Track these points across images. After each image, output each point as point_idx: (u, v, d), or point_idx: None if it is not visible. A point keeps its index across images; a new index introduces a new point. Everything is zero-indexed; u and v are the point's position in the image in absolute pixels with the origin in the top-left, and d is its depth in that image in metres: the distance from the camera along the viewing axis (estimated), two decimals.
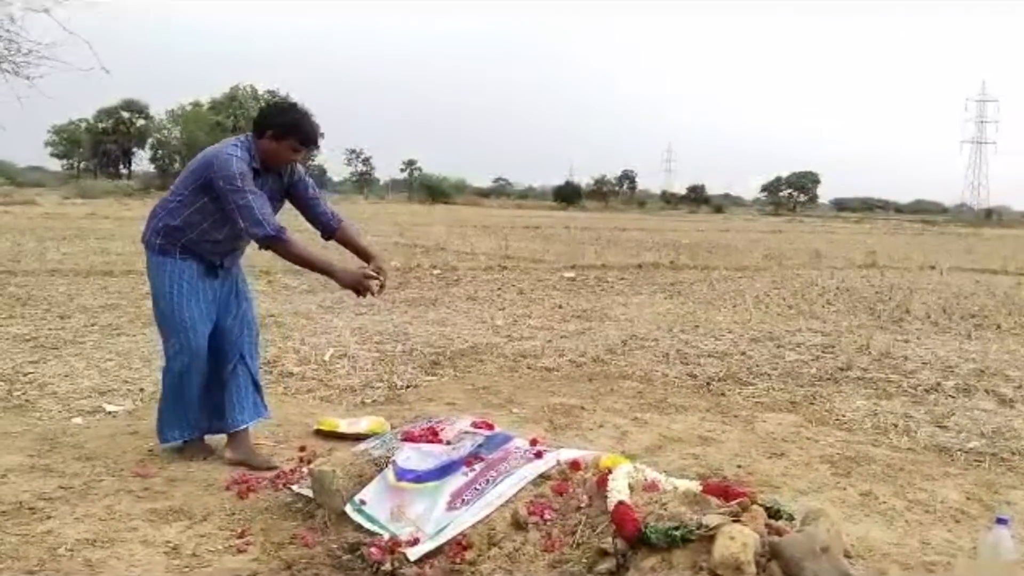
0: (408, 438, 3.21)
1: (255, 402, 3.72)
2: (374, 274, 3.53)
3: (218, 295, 3.63)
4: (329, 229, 3.74)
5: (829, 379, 5.68)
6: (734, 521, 2.27)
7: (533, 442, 3.14)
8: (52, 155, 64.50)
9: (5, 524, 2.84)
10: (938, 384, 5.58)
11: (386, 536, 2.70)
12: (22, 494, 3.10)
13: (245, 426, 3.65)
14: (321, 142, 3.43)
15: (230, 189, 3.33)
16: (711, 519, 2.27)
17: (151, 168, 60.89)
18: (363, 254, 3.72)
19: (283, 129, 3.47)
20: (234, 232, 3.48)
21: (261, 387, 3.79)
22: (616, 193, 78.76)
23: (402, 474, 2.94)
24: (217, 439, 3.72)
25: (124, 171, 63.69)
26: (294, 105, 3.64)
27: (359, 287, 3.51)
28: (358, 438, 3.69)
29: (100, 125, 62.18)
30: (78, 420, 4.17)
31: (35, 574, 2.51)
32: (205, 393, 3.64)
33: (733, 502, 2.39)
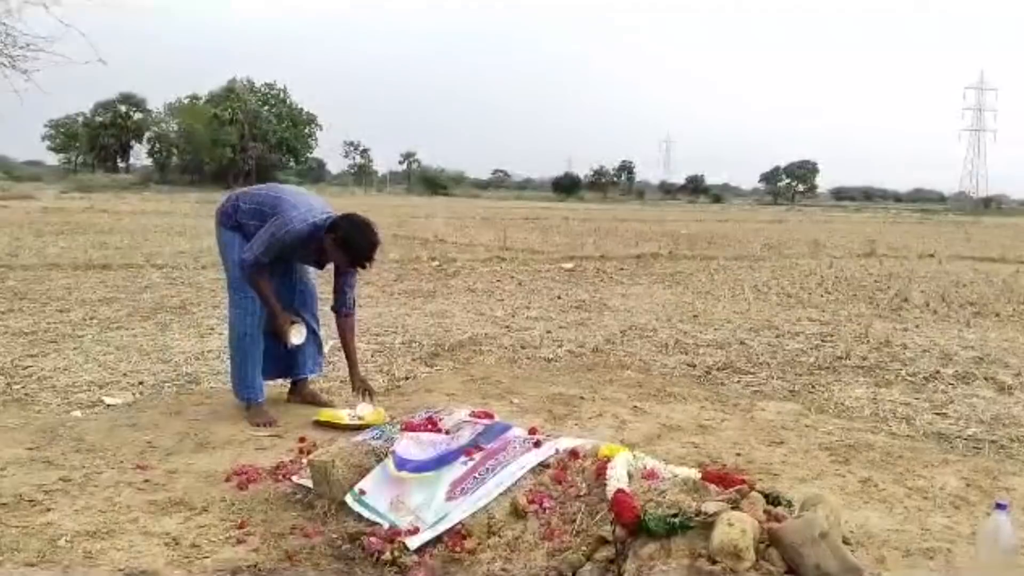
0: (408, 428, 3.21)
1: (316, 357, 4.47)
2: (293, 326, 4.15)
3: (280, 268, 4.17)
4: (337, 310, 4.31)
5: (828, 368, 5.68)
6: (733, 508, 2.27)
7: (532, 431, 3.15)
8: (49, 149, 64.55)
9: (5, 516, 2.84)
10: (937, 372, 5.58)
11: (386, 526, 2.71)
12: (22, 487, 3.10)
13: (305, 376, 4.45)
14: (375, 254, 4.11)
15: (271, 225, 3.93)
16: (710, 506, 2.27)
17: (149, 162, 60.87)
18: (349, 360, 4.34)
19: (342, 242, 3.93)
20: (279, 263, 4.10)
21: (322, 345, 4.54)
22: (615, 184, 78.72)
23: (401, 464, 2.94)
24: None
25: (122, 165, 63.66)
26: (362, 224, 4.00)
27: (278, 333, 4.12)
28: (358, 429, 3.69)
29: (97, 119, 62.14)
30: (77, 413, 4.17)
31: (35, 566, 2.51)
32: (273, 348, 4.20)
33: (732, 489, 2.39)
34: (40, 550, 2.60)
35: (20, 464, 3.36)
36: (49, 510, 2.91)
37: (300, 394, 4.47)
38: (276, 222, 3.92)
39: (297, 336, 4.16)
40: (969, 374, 5.54)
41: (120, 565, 2.53)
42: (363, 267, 4.07)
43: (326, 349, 4.95)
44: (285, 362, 4.39)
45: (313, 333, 4.39)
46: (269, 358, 4.25)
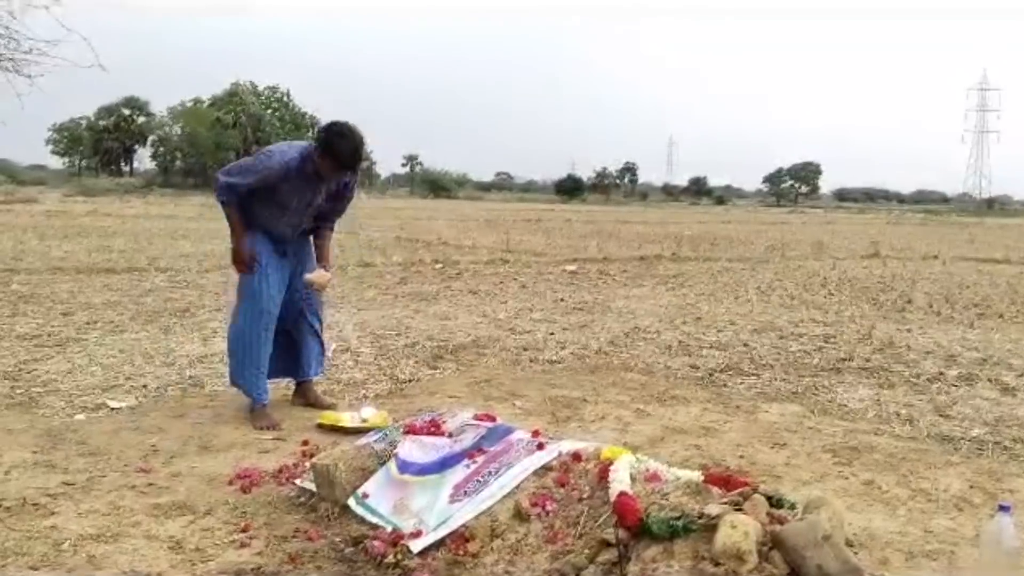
0: (410, 431, 3.21)
1: (319, 358, 4.50)
2: (253, 261, 4.09)
3: (287, 272, 4.23)
4: (317, 229, 4.35)
5: (832, 369, 5.68)
6: (736, 511, 2.27)
7: (535, 434, 3.14)
8: (53, 153, 64.60)
9: (9, 520, 2.84)
10: (941, 373, 5.57)
11: (389, 529, 2.71)
12: (26, 490, 3.11)
13: (309, 378, 4.46)
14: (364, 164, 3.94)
15: (255, 155, 4.10)
16: (713, 509, 2.27)
17: (152, 165, 60.96)
18: (320, 253, 4.35)
19: (323, 147, 3.92)
20: (283, 214, 4.10)
21: (324, 346, 4.55)
22: (618, 186, 78.68)
23: (404, 467, 2.94)
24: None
25: (126, 169, 63.74)
26: (342, 127, 3.99)
27: (236, 261, 4.15)
28: (360, 432, 3.69)
29: (101, 123, 62.23)
30: (81, 416, 4.18)
31: (39, 569, 2.51)
32: (277, 348, 4.27)
33: (735, 492, 2.39)
34: (44, 554, 2.60)
35: (24, 468, 3.37)
36: (53, 514, 2.92)
37: (304, 396, 4.49)
38: (259, 152, 4.10)
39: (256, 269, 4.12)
40: (973, 375, 5.54)
41: (124, 568, 2.53)
42: (352, 169, 4.07)
43: (329, 352, 4.96)
44: (289, 364, 4.43)
45: (316, 335, 4.43)
46: (273, 359, 4.27)
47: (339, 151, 3.92)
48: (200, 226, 18.14)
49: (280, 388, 4.80)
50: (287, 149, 4.03)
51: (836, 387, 5.16)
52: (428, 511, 2.74)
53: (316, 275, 4.23)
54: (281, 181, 3.98)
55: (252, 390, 4.18)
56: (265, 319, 4.14)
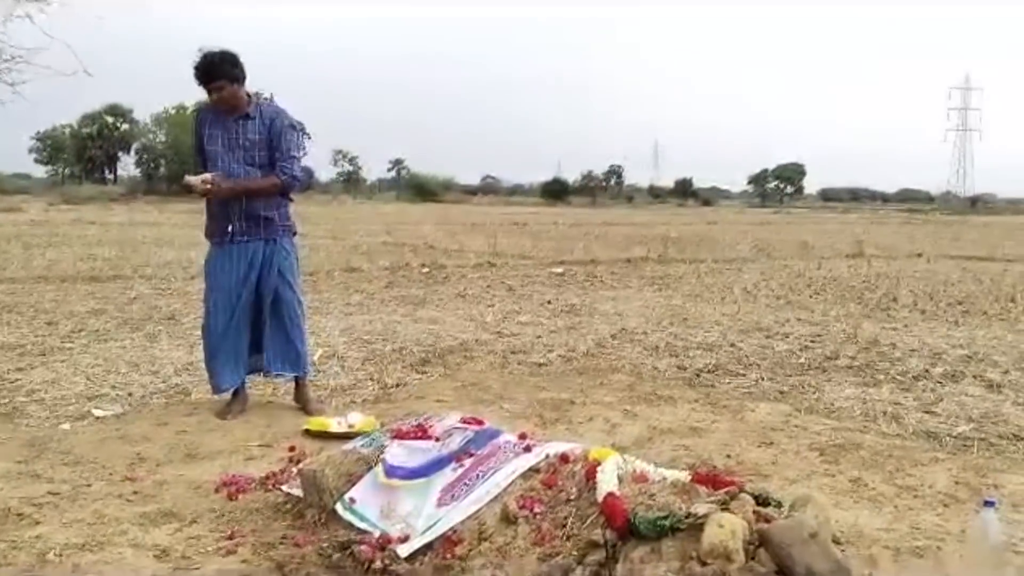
0: (397, 435, 3.20)
1: (289, 357, 4.45)
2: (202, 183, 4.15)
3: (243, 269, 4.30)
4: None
5: (818, 368, 5.70)
6: (723, 510, 2.27)
7: (522, 436, 3.14)
8: (36, 161, 64.03)
9: None
10: (926, 371, 5.61)
11: (376, 534, 2.70)
12: (10, 500, 3.08)
13: (289, 376, 4.53)
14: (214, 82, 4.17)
15: None
16: (700, 508, 2.28)
17: (136, 173, 60.55)
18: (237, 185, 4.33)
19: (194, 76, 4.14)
20: (218, 161, 4.25)
21: (300, 349, 4.48)
22: (604, 188, 78.72)
23: (391, 471, 2.93)
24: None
25: (109, 176, 63.30)
26: (199, 52, 4.14)
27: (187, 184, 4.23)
28: (348, 437, 3.68)
29: (84, 130, 61.78)
30: (66, 426, 4.15)
31: None
32: (248, 343, 4.39)
33: (721, 491, 2.40)
34: (29, 564, 2.58)
35: (8, 478, 3.34)
36: (38, 523, 2.90)
37: (295, 395, 4.56)
38: None
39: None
40: (958, 372, 5.57)
41: None
42: (210, 78, 4.12)
43: (315, 357, 4.96)
44: (257, 359, 4.48)
45: (284, 333, 4.43)
46: (243, 354, 4.41)
47: (195, 69, 4.11)
48: (185, 233, 18.05)
49: (265, 392, 4.80)
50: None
51: (823, 386, 5.19)
52: (416, 515, 2.73)
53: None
54: (202, 131, 4.26)
55: (211, 377, 4.42)
56: (224, 312, 4.30)
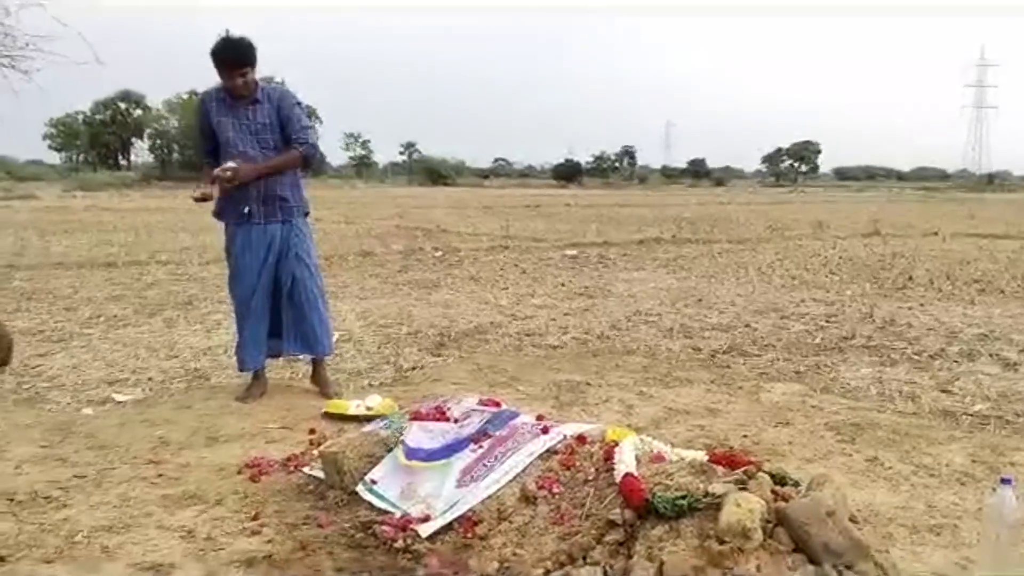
0: (416, 418, 3.24)
1: (311, 340, 4.46)
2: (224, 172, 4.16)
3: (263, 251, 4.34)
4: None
5: (833, 348, 5.70)
6: (740, 489, 2.29)
7: (539, 418, 3.17)
8: (51, 148, 64.43)
9: (22, 513, 2.88)
10: (942, 350, 5.60)
11: (398, 514, 2.74)
12: (37, 484, 3.14)
13: (305, 356, 4.63)
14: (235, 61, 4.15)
15: None
16: (717, 487, 2.29)
17: (150, 159, 60.80)
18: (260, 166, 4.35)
19: (213, 62, 4.10)
20: (234, 150, 4.23)
21: (318, 329, 4.47)
22: (616, 169, 78.48)
23: (411, 453, 2.97)
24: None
25: (123, 162, 63.58)
26: (219, 38, 4.13)
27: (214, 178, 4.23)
28: (367, 419, 3.72)
29: (98, 117, 62.02)
30: (88, 411, 4.21)
31: (53, 562, 2.54)
32: (271, 325, 4.44)
33: (739, 470, 2.41)
34: (57, 546, 2.63)
35: (34, 462, 3.40)
36: (65, 506, 2.95)
37: (312, 375, 4.63)
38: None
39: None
40: (974, 351, 5.56)
41: (137, 559, 2.56)
42: (235, 63, 4.10)
43: (333, 339, 4.99)
44: (276, 341, 4.51)
45: (301, 314, 4.44)
46: (263, 335, 4.45)
47: (213, 51, 4.09)
48: (199, 219, 18.12)
49: (284, 376, 4.84)
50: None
51: (838, 366, 5.19)
52: (436, 496, 2.77)
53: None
54: (210, 119, 4.23)
55: (238, 354, 4.50)
56: (247, 290, 4.36)
